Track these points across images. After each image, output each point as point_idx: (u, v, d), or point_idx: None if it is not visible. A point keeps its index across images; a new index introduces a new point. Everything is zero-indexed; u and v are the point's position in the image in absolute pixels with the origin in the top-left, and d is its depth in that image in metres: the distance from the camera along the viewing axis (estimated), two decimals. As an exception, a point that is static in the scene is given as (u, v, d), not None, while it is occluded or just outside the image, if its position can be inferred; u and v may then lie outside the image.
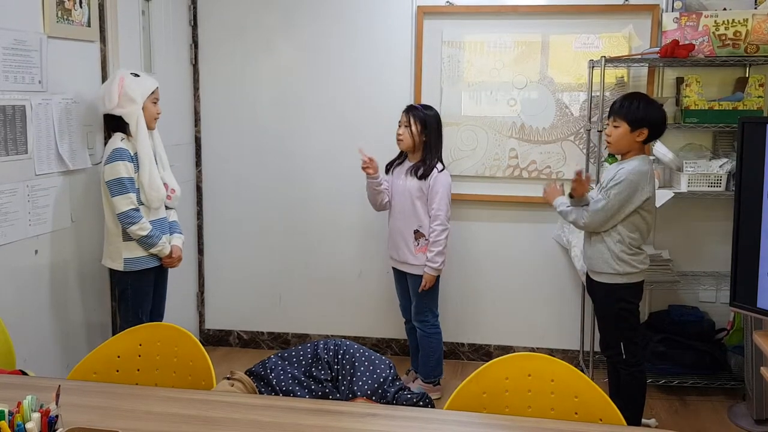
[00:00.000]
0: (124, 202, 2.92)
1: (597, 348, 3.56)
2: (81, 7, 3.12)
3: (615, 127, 2.93)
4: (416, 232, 3.53)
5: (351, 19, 4.07)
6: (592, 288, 3.10)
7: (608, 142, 3.00)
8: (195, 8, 4.19)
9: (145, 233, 2.98)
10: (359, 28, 4.07)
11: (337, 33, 4.09)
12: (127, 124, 2.97)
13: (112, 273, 3.15)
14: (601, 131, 3.57)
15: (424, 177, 3.49)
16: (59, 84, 3.00)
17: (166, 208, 3.20)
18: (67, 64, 3.06)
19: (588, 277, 3.12)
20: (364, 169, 3.52)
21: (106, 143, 3.09)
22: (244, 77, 4.22)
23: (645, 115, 2.88)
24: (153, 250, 3.04)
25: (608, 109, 3.04)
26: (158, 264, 3.11)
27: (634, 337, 3.02)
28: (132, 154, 2.96)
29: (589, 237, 3.05)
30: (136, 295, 3.06)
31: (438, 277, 3.59)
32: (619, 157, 3.05)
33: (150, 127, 3.06)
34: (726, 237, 3.53)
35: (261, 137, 4.24)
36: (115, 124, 3.00)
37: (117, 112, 2.96)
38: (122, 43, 3.43)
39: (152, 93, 3.05)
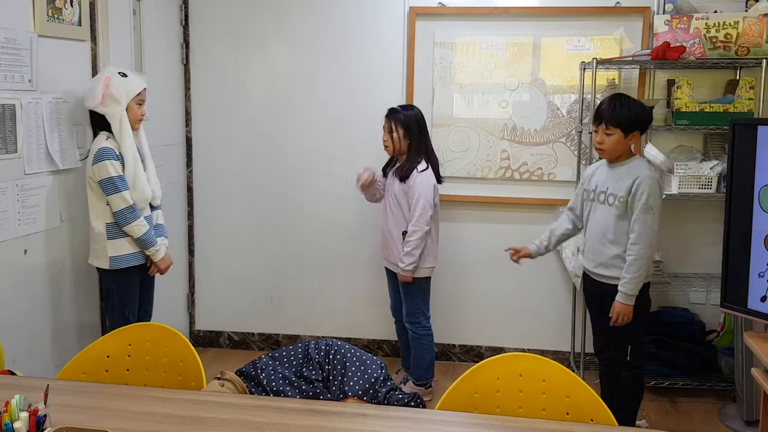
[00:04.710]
0: (119, 201, 2.92)
1: (588, 349, 3.56)
2: (71, 6, 3.10)
3: (608, 134, 2.86)
4: (404, 233, 3.50)
5: (343, 19, 4.06)
6: (600, 291, 2.98)
7: (601, 149, 2.91)
8: (186, 8, 4.17)
9: (141, 234, 2.98)
10: (351, 28, 4.06)
11: (329, 33, 4.09)
12: (110, 123, 2.96)
13: (99, 272, 3.13)
14: (592, 133, 3.56)
15: (404, 178, 3.47)
16: (49, 83, 2.98)
17: (152, 207, 3.18)
18: (58, 63, 3.04)
19: (594, 280, 3.02)
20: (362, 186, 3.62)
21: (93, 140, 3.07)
22: (235, 77, 4.21)
23: (636, 118, 2.86)
24: (148, 251, 3.04)
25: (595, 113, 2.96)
26: (144, 262, 3.09)
27: (640, 339, 3.00)
28: (117, 153, 2.94)
29: (603, 240, 2.94)
30: (122, 294, 3.04)
31: (429, 279, 3.58)
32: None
33: (133, 128, 3.03)
34: (716, 239, 3.55)
35: (252, 137, 4.23)
36: (99, 121, 2.98)
37: (100, 110, 2.94)
38: (113, 42, 3.41)
39: (138, 94, 3.01)
